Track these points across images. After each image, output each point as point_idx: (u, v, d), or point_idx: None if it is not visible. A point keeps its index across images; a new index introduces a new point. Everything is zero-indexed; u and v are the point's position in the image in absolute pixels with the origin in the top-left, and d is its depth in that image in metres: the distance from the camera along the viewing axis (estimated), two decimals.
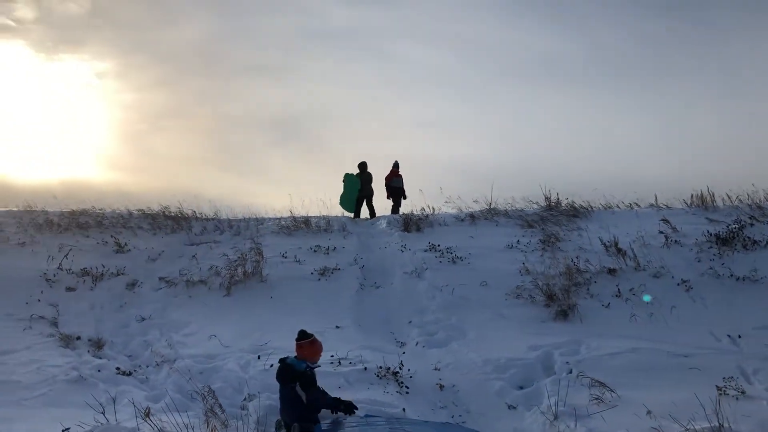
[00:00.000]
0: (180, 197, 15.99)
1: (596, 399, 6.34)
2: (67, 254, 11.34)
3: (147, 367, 7.88)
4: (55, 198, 16.01)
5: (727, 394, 6.04)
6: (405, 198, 16.88)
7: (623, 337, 8.34)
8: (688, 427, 5.33)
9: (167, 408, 6.00)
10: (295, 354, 6.24)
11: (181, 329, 9.20)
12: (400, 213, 16.02)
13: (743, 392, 6.12)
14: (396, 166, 16.97)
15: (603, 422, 5.75)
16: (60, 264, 10.97)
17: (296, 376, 5.98)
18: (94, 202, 15.78)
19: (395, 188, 16.79)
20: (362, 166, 16.62)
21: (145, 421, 5.53)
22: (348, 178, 16.43)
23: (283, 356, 6.35)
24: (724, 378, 6.36)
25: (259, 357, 7.90)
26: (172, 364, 7.74)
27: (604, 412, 6.03)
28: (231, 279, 10.72)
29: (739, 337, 8.03)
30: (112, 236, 12.82)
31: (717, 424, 5.27)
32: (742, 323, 8.41)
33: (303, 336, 6.28)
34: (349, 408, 5.99)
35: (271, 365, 7.53)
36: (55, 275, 10.62)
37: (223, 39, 48.75)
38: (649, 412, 5.70)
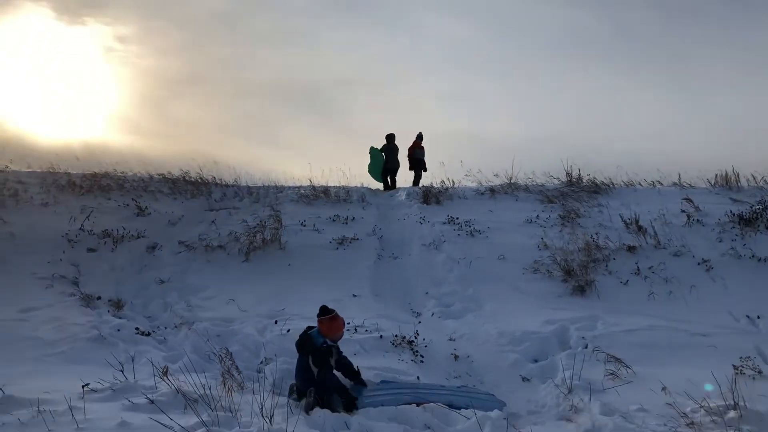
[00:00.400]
0: (200, 163, 16.07)
1: (611, 374, 6.33)
2: (89, 216, 11.47)
3: (165, 328, 7.99)
4: (77, 159, 16.16)
5: (744, 374, 6.00)
6: (425, 170, 16.69)
7: (641, 314, 8.30)
8: (702, 405, 5.31)
9: (185, 368, 6.08)
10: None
11: (200, 293, 9.31)
12: (420, 186, 15.94)
13: (760, 372, 6.08)
14: (419, 137, 16.68)
15: (618, 397, 5.74)
16: (82, 225, 11.11)
17: (311, 350, 6.03)
18: (115, 165, 15.91)
19: (417, 160, 16.61)
20: (389, 138, 16.37)
21: (163, 379, 5.61)
22: (372, 151, 16.34)
23: (307, 325, 6.41)
24: (741, 358, 6.32)
25: (276, 322, 7.97)
26: (191, 326, 7.83)
27: (619, 387, 6.02)
28: (250, 245, 10.79)
29: (758, 317, 7.95)
30: (133, 199, 12.93)
31: (732, 403, 5.23)
32: (761, 304, 8.31)
33: (324, 312, 6.22)
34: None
35: (288, 330, 7.61)
36: (76, 236, 10.76)
37: (246, 5, 48.43)
38: (664, 389, 5.67)
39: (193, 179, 15.16)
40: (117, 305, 8.60)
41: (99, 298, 8.73)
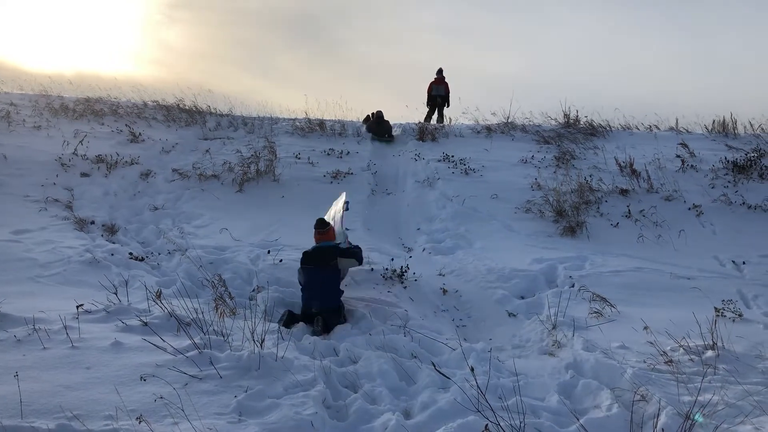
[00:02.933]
0: (194, 91, 15.90)
1: (596, 312, 6.46)
2: (82, 140, 11.39)
3: (159, 254, 8.07)
4: (70, 83, 15.95)
5: (725, 316, 6.13)
6: (448, 106, 16.49)
7: (629, 256, 8.41)
8: (682, 344, 5.45)
9: (178, 293, 6.18)
10: (317, 241, 6.63)
11: (193, 220, 9.37)
12: (443, 123, 15.77)
13: (741, 315, 6.21)
14: (439, 72, 16.37)
15: (600, 334, 5.87)
16: (75, 149, 11.04)
17: (336, 252, 6.48)
18: (109, 91, 15.72)
19: (434, 96, 16.34)
20: (377, 115, 14.54)
21: (156, 303, 5.70)
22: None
23: (301, 250, 6.61)
24: (723, 301, 6.44)
25: (269, 252, 8.05)
26: (184, 252, 7.90)
27: (603, 325, 6.15)
28: (244, 176, 10.79)
29: (744, 263, 8.07)
30: (126, 125, 12.83)
31: (711, 343, 5.38)
32: (748, 250, 8.44)
33: (324, 223, 6.73)
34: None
35: (281, 260, 7.70)
36: (70, 160, 10.71)
37: None
38: (646, 328, 5.80)
39: (187, 107, 15.02)
40: (110, 230, 8.64)
41: (92, 222, 8.76)
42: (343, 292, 6.54)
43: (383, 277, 7.56)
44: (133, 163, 11.10)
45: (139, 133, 12.50)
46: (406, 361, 5.29)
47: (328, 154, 12.42)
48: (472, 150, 12.91)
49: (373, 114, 14.65)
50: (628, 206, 9.88)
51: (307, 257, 6.52)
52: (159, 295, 5.76)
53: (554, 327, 6.20)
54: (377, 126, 14.31)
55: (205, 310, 5.76)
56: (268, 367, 4.71)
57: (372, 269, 7.70)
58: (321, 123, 14.35)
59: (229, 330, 5.37)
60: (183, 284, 6.67)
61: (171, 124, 13.76)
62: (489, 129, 14.51)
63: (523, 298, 7.35)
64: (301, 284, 6.58)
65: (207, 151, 12.08)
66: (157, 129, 13.31)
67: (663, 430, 3.95)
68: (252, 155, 11.39)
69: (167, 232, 8.80)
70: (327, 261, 6.39)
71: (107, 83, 16.69)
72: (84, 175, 10.41)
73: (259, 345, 4.97)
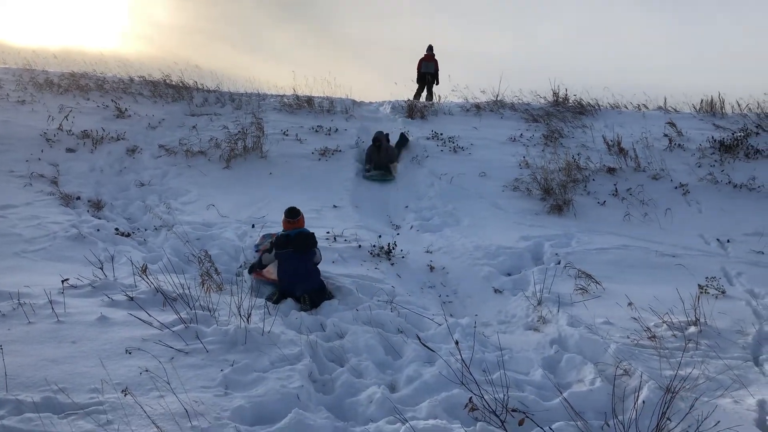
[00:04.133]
0: (181, 67, 15.73)
1: (581, 289, 6.52)
2: (68, 115, 11.26)
3: (145, 230, 8.03)
4: (55, 58, 15.73)
5: (708, 293, 6.20)
6: (437, 83, 16.27)
7: (615, 234, 8.46)
8: (665, 320, 5.52)
9: (164, 269, 6.16)
10: (285, 229, 6.44)
11: (180, 197, 9.32)
12: (432, 101, 15.63)
13: (723, 292, 6.28)
14: (429, 49, 16.15)
15: (585, 310, 5.93)
16: (60, 125, 10.92)
17: (314, 240, 6.38)
18: (94, 65, 15.52)
19: (423, 74, 16.16)
20: (377, 139, 11.27)
21: (142, 277, 5.68)
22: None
23: (281, 233, 6.50)
24: (707, 278, 6.51)
25: (254, 226, 8.04)
26: (170, 228, 7.87)
27: (588, 301, 6.21)
28: (231, 152, 10.72)
29: (728, 241, 8.15)
30: (112, 101, 12.69)
31: (694, 319, 5.45)
32: (732, 229, 8.52)
33: (297, 212, 6.53)
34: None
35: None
36: (55, 135, 10.60)
37: None
38: (630, 304, 5.86)
39: (174, 83, 14.85)
40: (96, 206, 8.58)
41: (78, 198, 8.69)
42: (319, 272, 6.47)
43: (371, 253, 7.57)
44: (119, 139, 10.99)
45: (126, 109, 12.37)
46: (393, 336, 5.33)
47: (316, 131, 12.35)
48: (461, 128, 12.89)
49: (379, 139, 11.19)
50: (615, 185, 9.92)
51: (288, 241, 6.33)
52: (145, 270, 5.74)
53: (540, 303, 6.25)
54: (377, 154, 11.09)
55: (192, 285, 5.76)
56: (255, 342, 4.73)
57: (359, 246, 7.71)
58: (309, 100, 14.25)
59: (215, 305, 5.38)
60: (169, 260, 6.66)
61: (157, 100, 13.61)
62: (478, 107, 14.48)
63: (509, 275, 7.39)
64: (264, 263, 6.53)
65: (194, 127, 11.98)
66: (144, 105, 13.17)
67: (644, 402, 4.01)
68: (239, 131, 11.31)
69: (154, 208, 8.75)
70: (309, 247, 6.32)
71: (93, 58, 16.47)
72: (69, 150, 10.30)
73: (245, 320, 4.98)
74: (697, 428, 3.64)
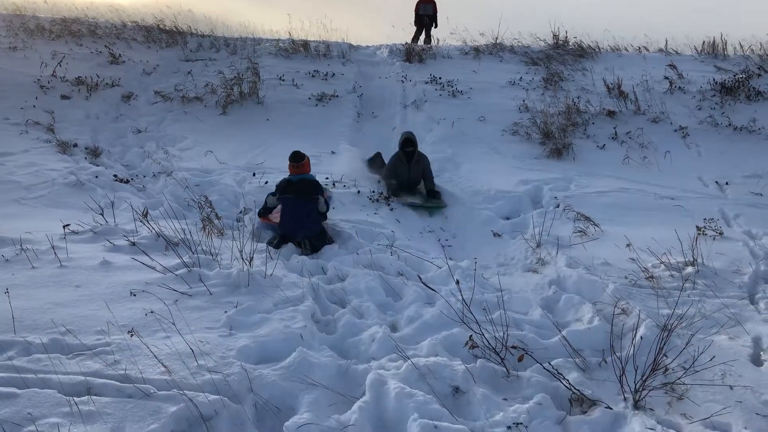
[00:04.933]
0: (173, 11, 15.40)
1: (580, 231, 6.55)
2: (61, 62, 11.10)
3: (144, 176, 8.01)
4: (45, 2, 15.39)
5: (706, 234, 6.24)
6: (436, 26, 15.72)
7: (614, 177, 8.46)
8: (663, 260, 5.57)
9: (165, 214, 6.18)
10: (291, 174, 6.41)
11: (177, 143, 9.27)
12: (430, 44, 15.27)
13: (721, 233, 6.32)
14: None
15: (583, 251, 5.98)
16: (54, 71, 10.78)
17: (318, 188, 6.36)
18: (86, 10, 15.20)
19: (421, 16, 15.72)
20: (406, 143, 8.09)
21: (144, 223, 5.70)
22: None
23: (285, 177, 6.49)
24: (705, 219, 6.54)
25: (254, 174, 8.02)
26: (169, 174, 7.86)
27: (586, 243, 6.25)
28: (227, 98, 10.62)
29: (727, 183, 8.16)
30: (106, 46, 12.48)
31: (691, 259, 5.50)
32: (731, 171, 8.52)
33: (301, 156, 6.46)
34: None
35: (266, 182, 7.69)
36: (49, 82, 10.47)
37: None
38: (628, 245, 5.91)
39: (167, 28, 14.58)
40: (94, 153, 8.54)
41: (75, 145, 8.64)
42: (324, 217, 6.51)
43: (370, 199, 7.58)
44: (114, 85, 10.86)
45: (119, 55, 12.18)
46: (393, 278, 5.39)
47: (313, 76, 12.20)
48: (459, 72, 12.72)
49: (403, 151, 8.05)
50: (614, 128, 9.87)
51: (290, 186, 6.34)
52: (146, 214, 5.76)
53: (538, 245, 6.30)
54: (405, 166, 8.00)
55: (193, 230, 5.79)
56: (257, 284, 4.78)
57: (359, 192, 7.71)
58: (305, 44, 14.01)
59: (217, 249, 5.42)
60: (170, 205, 6.66)
61: (151, 45, 13.39)
62: (477, 50, 14.26)
63: (508, 218, 7.43)
64: (269, 207, 6.55)
65: (189, 72, 11.82)
66: (137, 50, 12.96)
67: (642, 339, 4.09)
68: (235, 77, 11.17)
69: (152, 155, 8.71)
70: (311, 194, 6.32)
71: (83, 3, 16.04)
72: (64, 97, 10.19)
73: (248, 263, 5.02)
74: (693, 363, 3.71)
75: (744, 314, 4.72)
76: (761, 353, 4.17)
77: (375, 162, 8.77)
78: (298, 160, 6.42)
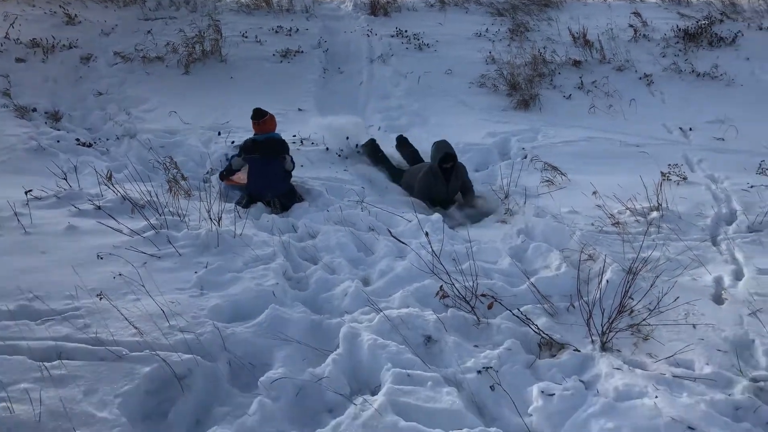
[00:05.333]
0: None
1: (547, 181, 6.62)
2: (13, 23, 10.71)
3: (107, 140, 7.85)
4: None
5: (670, 179, 6.35)
6: None
7: (580, 127, 8.52)
8: (629, 206, 5.67)
9: (130, 177, 6.08)
10: (256, 132, 6.34)
11: (140, 105, 9.06)
12: None
13: (685, 178, 6.44)
14: None
15: (551, 201, 6.05)
16: (6, 33, 10.41)
17: (285, 147, 6.28)
18: None
19: None
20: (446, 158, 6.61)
21: (109, 187, 5.61)
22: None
23: (249, 137, 6.42)
24: (669, 165, 6.65)
25: (219, 134, 7.92)
26: (133, 137, 7.71)
27: (554, 192, 6.33)
28: (189, 57, 10.37)
29: (690, 129, 8.28)
30: (60, 6, 12.05)
31: (656, 204, 5.61)
32: (695, 117, 8.64)
33: (262, 113, 6.40)
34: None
35: (233, 142, 7.60)
36: (2, 45, 10.13)
37: None
38: (594, 193, 5.99)
39: None
40: (54, 117, 8.33)
41: (34, 109, 8.41)
42: (291, 176, 6.49)
43: (338, 156, 7.54)
44: (71, 47, 10.53)
45: (75, 15, 11.78)
46: (364, 234, 5.40)
47: (276, 32, 11.94)
48: (425, 24, 12.56)
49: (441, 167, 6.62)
50: (580, 77, 9.90)
51: (256, 146, 6.29)
52: (110, 177, 5.66)
53: (506, 196, 6.36)
54: (441, 182, 6.63)
55: (159, 192, 5.71)
56: (227, 244, 4.76)
57: (327, 149, 7.66)
58: None
59: (185, 211, 5.36)
60: (134, 168, 6.55)
61: (108, 5, 12.96)
62: (442, 2, 14.05)
63: (477, 170, 7.46)
64: (233, 168, 6.50)
65: (149, 32, 11.48)
66: (94, 10, 12.53)
67: (608, 282, 4.18)
68: (196, 35, 10.88)
69: (114, 117, 8.52)
70: (278, 153, 6.26)
71: None
72: (19, 60, 9.87)
73: (216, 223, 4.99)
74: (657, 304, 3.82)
75: (707, 256, 4.85)
76: (722, 292, 4.30)
77: (368, 149, 7.64)
78: (259, 117, 6.35)
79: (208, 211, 5.05)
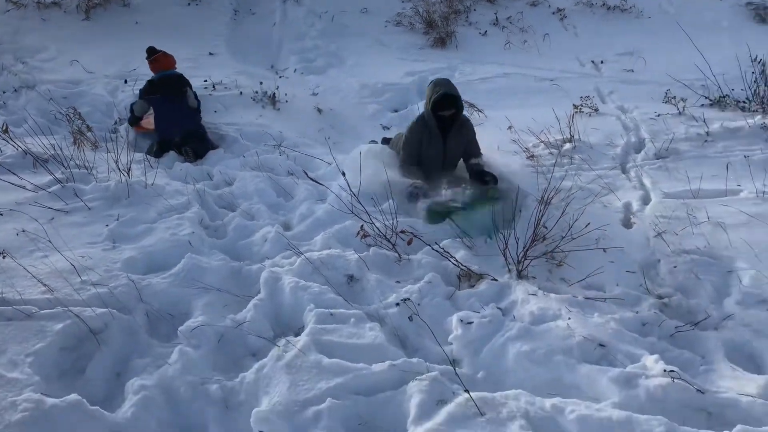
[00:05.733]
0: None
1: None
2: None
3: (3, 92, 7.35)
4: None
5: (582, 112, 6.50)
6: None
7: (496, 63, 8.57)
8: (543, 139, 5.78)
9: (31, 131, 5.74)
10: (153, 73, 6.21)
11: (38, 54, 8.52)
12: None
13: (596, 110, 6.61)
14: None
15: None
16: None
17: (184, 82, 6.19)
18: None
19: None
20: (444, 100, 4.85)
21: (7, 141, 5.28)
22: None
23: (147, 79, 6.20)
24: (581, 97, 6.79)
25: (126, 81, 7.55)
26: (32, 88, 7.25)
27: None
28: (89, 2, 9.77)
29: (602, 62, 8.47)
30: None
31: (569, 136, 5.74)
32: (606, 50, 8.83)
33: (153, 50, 6.40)
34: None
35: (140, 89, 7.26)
36: None
37: None
38: (510, 128, 6.08)
39: None
40: None
41: None
42: (200, 116, 6.31)
43: (254, 100, 7.34)
44: None
45: None
46: (283, 178, 5.32)
47: None
48: None
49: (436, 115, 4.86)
50: (495, 14, 9.91)
51: (154, 86, 6.16)
52: (6, 130, 5.32)
53: None
54: (439, 140, 4.89)
55: (64, 145, 5.42)
56: (139, 195, 4.59)
57: (241, 93, 7.44)
58: None
59: (92, 163, 5.12)
60: (35, 121, 6.18)
61: None
62: None
63: (396, 111, 7.44)
64: (136, 115, 6.31)
65: None
66: None
67: (521, 212, 4.29)
68: None
69: (10, 68, 7.96)
70: (177, 89, 6.07)
71: None
72: None
73: (126, 174, 4.80)
74: (569, 230, 3.94)
75: (616, 183, 5.03)
76: (631, 217, 4.48)
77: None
78: (151, 53, 6.30)
79: (117, 162, 4.84)
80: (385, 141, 5.67)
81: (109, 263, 3.68)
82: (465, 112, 5.10)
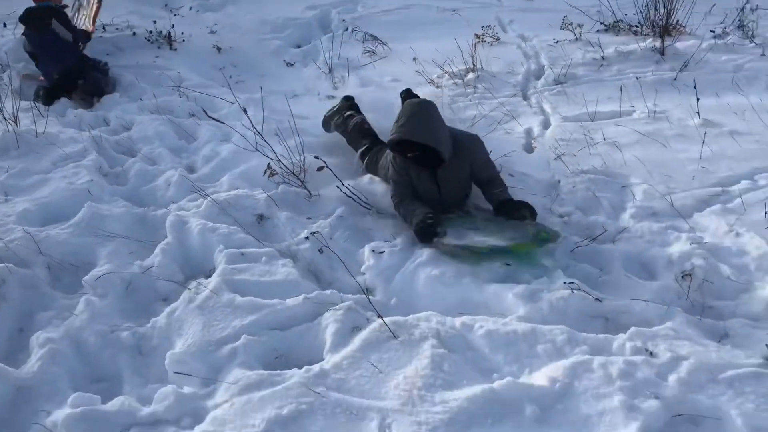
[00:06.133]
0: None
1: (369, 52, 6.60)
2: None
3: None
4: None
5: (485, 41, 6.56)
6: None
7: None
8: (447, 70, 5.82)
9: None
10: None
11: None
12: None
13: (498, 39, 6.68)
14: None
15: (373, 71, 6.08)
16: None
17: (48, 13, 5.74)
18: None
19: None
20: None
21: None
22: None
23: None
24: (483, 27, 6.83)
25: (5, 25, 7.00)
26: None
27: (376, 62, 6.35)
28: None
29: None
30: None
31: (472, 66, 5.81)
32: None
33: None
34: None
35: (23, 33, 6.75)
36: None
37: None
38: (414, 59, 6.08)
39: None
40: None
41: None
42: (82, 52, 5.98)
43: (148, 41, 6.98)
44: None
45: None
46: (184, 120, 5.16)
47: None
48: None
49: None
50: None
51: (24, 23, 5.81)
52: None
53: (330, 71, 6.28)
54: (429, 177, 3.69)
55: None
56: (29, 145, 4.36)
57: (134, 34, 7.08)
58: None
59: None
60: None
61: None
62: None
63: (299, 46, 7.27)
64: (28, 52, 5.95)
65: None
66: None
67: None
68: None
69: None
70: (41, 22, 5.72)
71: None
72: None
73: (13, 123, 4.51)
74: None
75: (518, 110, 5.16)
76: (532, 141, 4.63)
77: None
78: None
79: (1, 111, 4.53)
80: (362, 156, 4.31)
81: (1, 217, 3.50)
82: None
